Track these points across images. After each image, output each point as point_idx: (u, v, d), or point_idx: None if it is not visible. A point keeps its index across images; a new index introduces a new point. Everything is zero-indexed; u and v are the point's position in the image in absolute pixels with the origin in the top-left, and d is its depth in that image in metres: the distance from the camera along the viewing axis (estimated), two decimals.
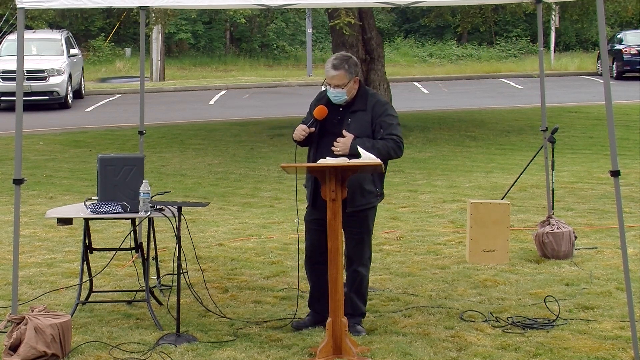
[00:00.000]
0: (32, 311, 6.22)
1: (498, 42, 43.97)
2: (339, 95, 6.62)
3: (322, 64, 41.28)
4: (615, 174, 6.03)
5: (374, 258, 8.82)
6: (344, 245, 6.63)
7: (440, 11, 22.20)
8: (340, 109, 6.67)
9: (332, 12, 17.06)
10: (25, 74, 20.91)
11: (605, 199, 11.68)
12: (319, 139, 6.63)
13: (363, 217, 6.67)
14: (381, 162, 6.25)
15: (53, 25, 30.73)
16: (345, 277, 6.65)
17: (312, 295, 6.86)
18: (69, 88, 25.04)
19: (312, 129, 6.62)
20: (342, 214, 6.30)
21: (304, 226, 6.82)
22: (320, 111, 6.62)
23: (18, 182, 6.27)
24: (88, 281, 7.39)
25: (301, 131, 6.62)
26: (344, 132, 6.53)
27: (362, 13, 17.90)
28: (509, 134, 18.46)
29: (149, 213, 6.88)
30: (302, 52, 41.55)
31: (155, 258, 7.71)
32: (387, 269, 8.46)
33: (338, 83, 6.58)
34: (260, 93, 29.48)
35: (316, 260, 6.72)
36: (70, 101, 25.07)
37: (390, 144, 6.51)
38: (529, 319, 6.82)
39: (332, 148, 6.49)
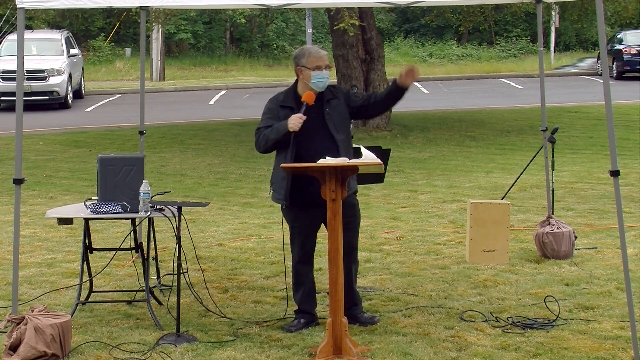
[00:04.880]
0: (32, 311, 6.22)
1: (498, 42, 43.97)
2: (327, 77, 6.60)
3: None
4: (615, 174, 6.03)
5: (374, 258, 8.85)
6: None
7: (441, 10, 22.23)
8: (303, 102, 6.57)
9: (335, 14, 17.06)
10: (25, 74, 20.90)
11: (605, 199, 11.68)
12: (299, 137, 6.49)
13: (355, 201, 6.78)
14: (381, 162, 6.25)
15: (53, 25, 30.74)
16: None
17: (305, 295, 6.84)
18: (69, 88, 25.05)
19: (305, 116, 6.50)
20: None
21: (290, 229, 6.80)
22: (310, 96, 6.54)
23: (18, 182, 6.27)
24: (88, 281, 7.39)
25: (298, 119, 6.44)
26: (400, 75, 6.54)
27: (362, 13, 17.91)
28: (509, 134, 18.47)
29: (149, 213, 6.87)
30: None
31: (155, 258, 7.71)
32: (387, 269, 8.45)
33: (328, 63, 6.62)
34: (260, 93, 29.45)
35: (307, 261, 6.77)
36: (70, 101, 25.08)
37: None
38: (529, 319, 6.82)
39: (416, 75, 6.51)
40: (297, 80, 6.74)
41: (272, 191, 6.78)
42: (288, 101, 6.67)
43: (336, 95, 6.68)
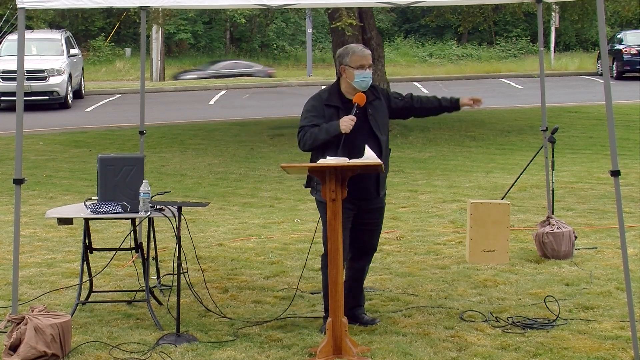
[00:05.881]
0: (32, 311, 6.22)
1: (498, 42, 44.00)
2: (370, 76, 6.61)
3: (322, 64, 41.34)
4: (615, 174, 6.03)
5: (374, 258, 8.84)
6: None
7: (441, 10, 22.22)
8: (354, 103, 6.53)
9: (333, 13, 17.07)
10: (25, 74, 20.88)
11: (605, 199, 11.68)
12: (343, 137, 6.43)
13: (384, 204, 6.82)
14: (381, 162, 6.24)
15: (53, 25, 30.74)
16: (354, 271, 6.76)
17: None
18: (69, 88, 25.05)
19: (356, 118, 6.45)
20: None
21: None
22: (362, 97, 6.52)
23: (18, 182, 6.27)
24: (88, 281, 7.39)
25: (350, 121, 6.39)
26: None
27: (362, 13, 17.92)
28: (509, 134, 18.46)
29: (149, 213, 6.87)
30: (302, 52, 41.61)
31: (155, 258, 7.71)
32: (387, 269, 8.46)
33: (371, 62, 6.64)
34: (260, 93, 29.48)
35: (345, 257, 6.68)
36: (70, 101, 25.08)
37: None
38: (529, 319, 6.82)
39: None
40: (338, 79, 6.71)
41: (316, 191, 6.62)
42: (333, 100, 6.62)
43: (378, 95, 6.68)
